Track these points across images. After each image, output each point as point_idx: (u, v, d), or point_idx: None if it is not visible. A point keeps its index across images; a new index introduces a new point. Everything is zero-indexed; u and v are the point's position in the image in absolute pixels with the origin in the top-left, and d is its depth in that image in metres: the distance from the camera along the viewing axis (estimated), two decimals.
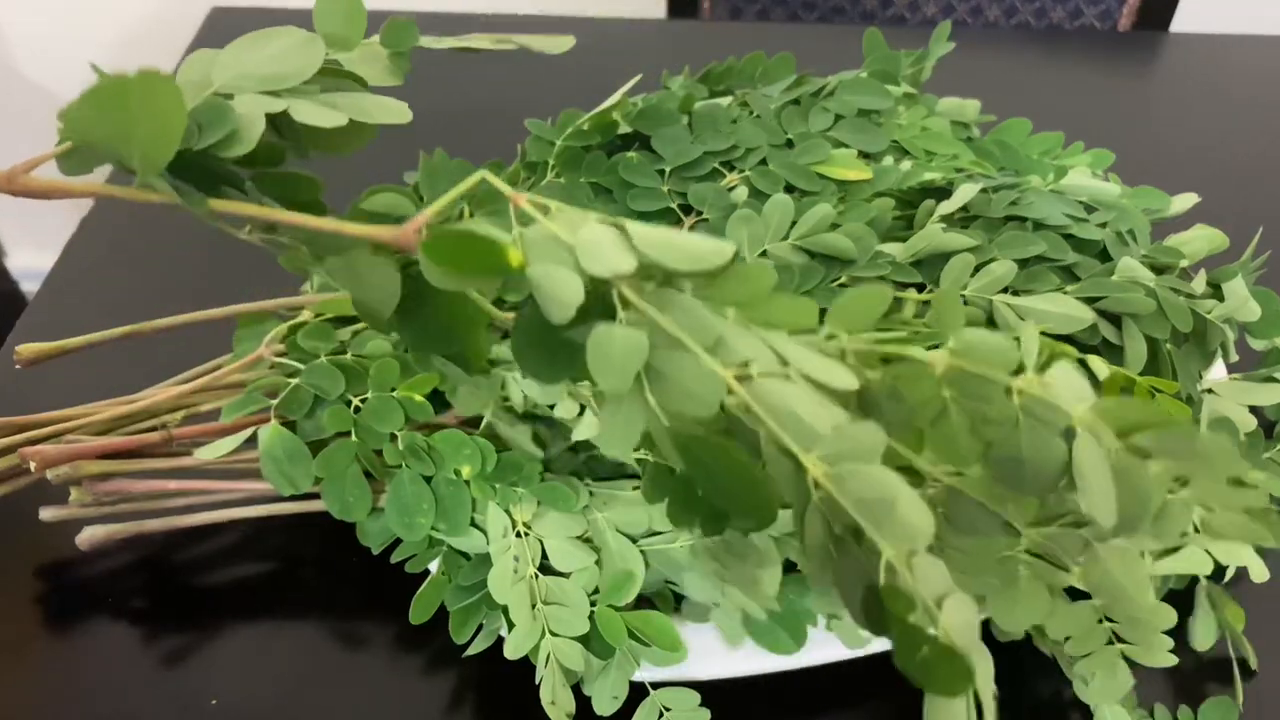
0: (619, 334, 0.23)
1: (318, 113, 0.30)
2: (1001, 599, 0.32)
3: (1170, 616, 0.38)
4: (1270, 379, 0.47)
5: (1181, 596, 0.42)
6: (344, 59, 0.32)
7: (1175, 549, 0.41)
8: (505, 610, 0.38)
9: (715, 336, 0.24)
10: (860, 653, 0.39)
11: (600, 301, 0.24)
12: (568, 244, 0.23)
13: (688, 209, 0.47)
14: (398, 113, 0.32)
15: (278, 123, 0.29)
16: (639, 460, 0.35)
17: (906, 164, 0.50)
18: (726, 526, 0.32)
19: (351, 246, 0.28)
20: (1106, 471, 0.23)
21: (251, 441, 0.42)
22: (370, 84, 0.33)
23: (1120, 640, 0.38)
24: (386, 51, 0.33)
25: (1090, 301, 0.41)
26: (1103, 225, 0.45)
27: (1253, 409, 0.46)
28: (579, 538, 0.40)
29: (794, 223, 0.44)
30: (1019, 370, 0.24)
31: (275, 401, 0.41)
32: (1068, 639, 0.38)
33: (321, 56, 0.30)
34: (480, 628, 0.40)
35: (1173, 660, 0.38)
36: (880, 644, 0.39)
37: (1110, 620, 0.38)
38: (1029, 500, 0.28)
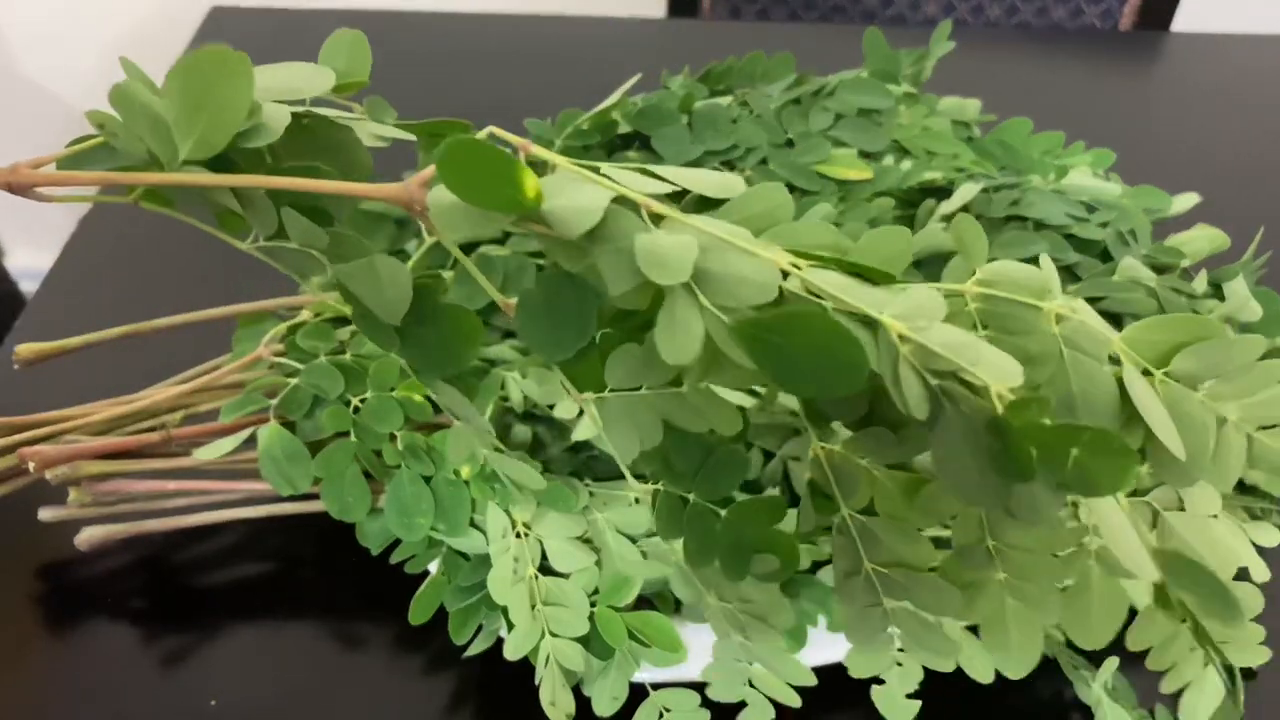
0: (665, 237, 0.23)
1: (348, 118, 0.30)
2: (1073, 609, 0.30)
3: (1257, 600, 0.33)
4: None
5: None
6: None
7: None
8: (505, 611, 0.38)
9: (750, 240, 0.23)
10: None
11: (622, 220, 0.24)
12: (587, 176, 0.23)
13: None
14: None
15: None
16: (654, 491, 0.34)
17: (907, 163, 0.50)
18: (748, 569, 0.31)
19: (365, 253, 0.28)
20: (1160, 403, 0.22)
21: (251, 442, 0.42)
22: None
23: (1206, 642, 0.33)
24: None
25: (1091, 301, 0.41)
26: (1104, 225, 0.45)
27: None
28: (579, 538, 0.40)
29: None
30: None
31: (274, 401, 0.41)
32: (1148, 652, 0.34)
33: (333, 79, 0.30)
34: (480, 628, 0.40)
35: (1266, 655, 0.33)
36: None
37: (1192, 619, 0.32)
38: None
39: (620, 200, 0.24)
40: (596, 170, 0.25)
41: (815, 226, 0.24)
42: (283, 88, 0.30)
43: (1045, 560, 0.28)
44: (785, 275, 0.23)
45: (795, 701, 0.37)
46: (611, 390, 0.30)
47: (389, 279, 0.28)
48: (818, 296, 0.23)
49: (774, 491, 0.40)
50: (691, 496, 0.32)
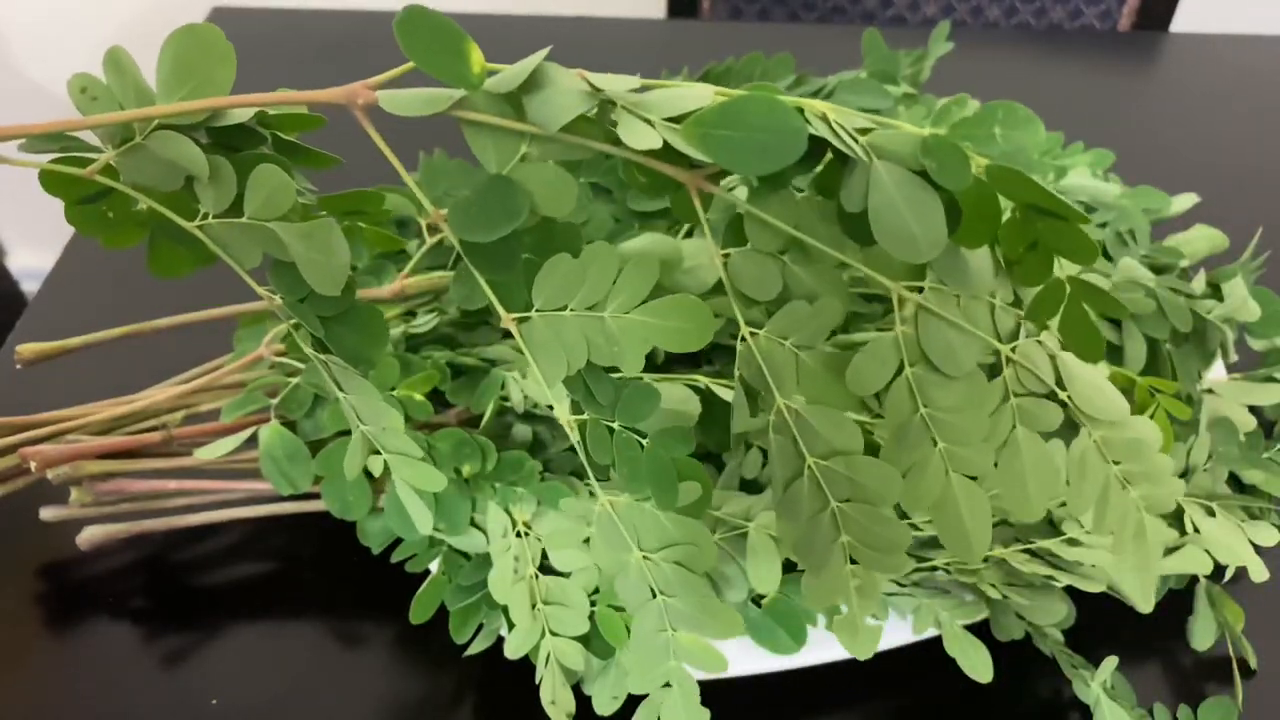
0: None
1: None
2: (1008, 478, 0.30)
3: (1156, 435, 0.31)
4: (1270, 379, 0.47)
5: (1181, 596, 0.42)
6: None
7: (1175, 548, 0.41)
8: (505, 610, 0.38)
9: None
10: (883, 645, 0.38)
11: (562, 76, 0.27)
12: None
13: None
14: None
15: None
16: (580, 422, 0.35)
17: None
18: (677, 495, 0.33)
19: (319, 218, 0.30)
20: None
21: (251, 441, 0.42)
22: None
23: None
24: None
25: None
26: (1103, 225, 0.45)
27: (1252, 409, 0.46)
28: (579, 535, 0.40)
29: None
30: None
31: (275, 401, 0.41)
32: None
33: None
34: (480, 628, 0.40)
35: (1180, 486, 0.32)
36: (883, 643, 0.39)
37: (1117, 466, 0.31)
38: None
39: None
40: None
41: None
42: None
43: (977, 420, 0.29)
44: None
45: (723, 667, 0.36)
46: (538, 311, 0.31)
47: (327, 241, 0.30)
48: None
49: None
50: (615, 424, 0.33)
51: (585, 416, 0.34)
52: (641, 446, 0.33)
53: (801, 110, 0.26)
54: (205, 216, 0.30)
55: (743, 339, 0.30)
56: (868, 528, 0.30)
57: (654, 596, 0.36)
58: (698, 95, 0.27)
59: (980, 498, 0.30)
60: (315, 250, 0.30)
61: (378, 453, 0.38)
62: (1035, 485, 0.30)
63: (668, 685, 0.36)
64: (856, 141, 0.26)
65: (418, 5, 0.26)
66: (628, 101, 0.27)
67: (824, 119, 0.26)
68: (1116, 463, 0.31)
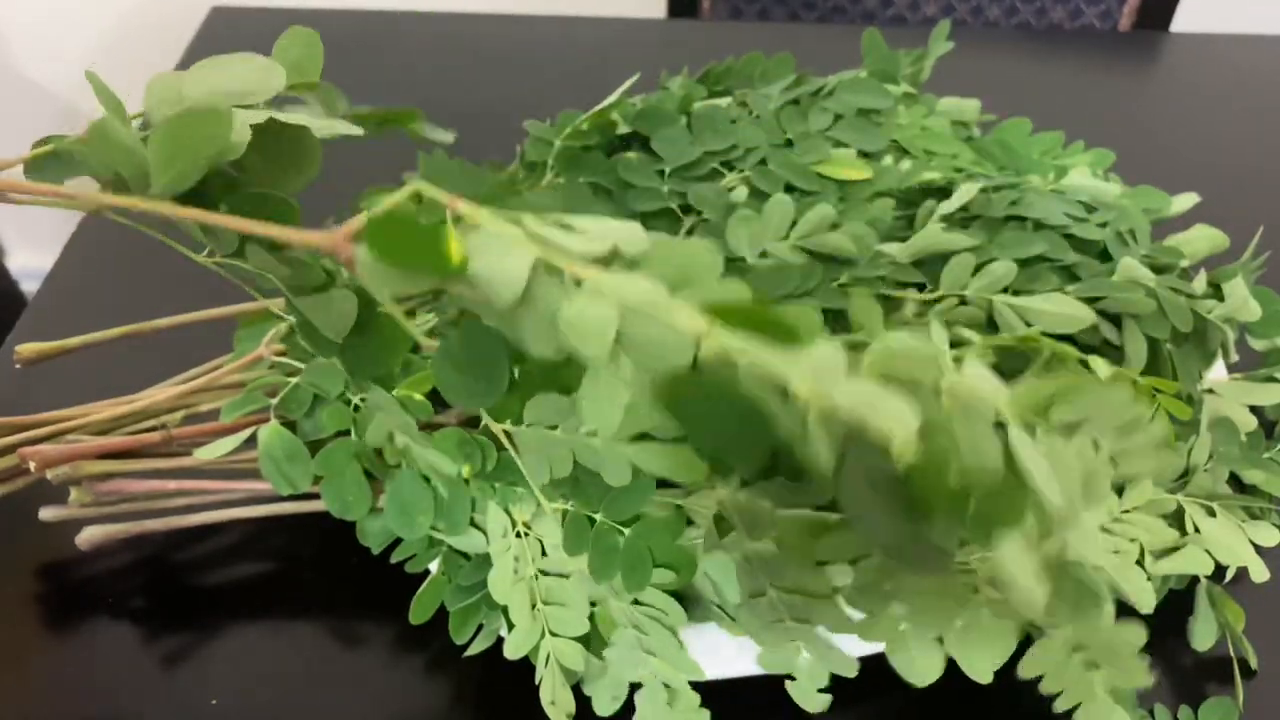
0: (588, 305, 0.24)
1: (305, 119, 0.30)
2: (965, 642, 0.33)
3: (1139, 635, 0.33)
4: (1270, 379, 0.47)
5: (1181, 596, 0.42)
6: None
7: (1175, 549, 0.41)
8: (505, 610, 0.38)
9: (668, 305, 0.24)
10: (859, 654, 0.38)
11: (546, 287, 0.25)
12: (511, 238, 0.24)
13: (687, 209, 0.47)
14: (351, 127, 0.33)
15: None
16: (563, 511, 0.36)
17: (906, 164, 0.50)
18: (649, 580, 0.35)
19: (328, 286, 0.30)
20: (1041, 457, 0.23)
21: (251, 441, 0.42)
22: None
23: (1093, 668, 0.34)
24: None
25: (1090, 301, 0.41)
26: (1103, 225, 0.45)
27: (1253, 409, 0.46)
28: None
29: (794, 223, 0.44)
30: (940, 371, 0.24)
31: (275, 401, 0.41)
32: (1040, 679, 0.34)
33: (283, 79, 0.31)
34: (480, 628, 0.40)
35: (1147, 682, 0.33)
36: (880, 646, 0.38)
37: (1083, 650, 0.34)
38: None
39: (544, 263, 0.25)
40: (519, 222, 0.26)
41: (729, 284, 0.25)
42: (236, 89, 0.30)
43: (941, 601, 0.31)
44: (701, 338, 0.24)
45: (700, 675, 0.38)
46: (528, 425, 0.33)
47: (339, 307, 0.30)
48: (731, 356, 0.24)
49: None
50: (599, 516, 0.36)
51: (567, 506, 0.35)
52: (621, 534, 0.35)
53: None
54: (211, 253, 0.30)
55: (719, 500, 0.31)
56: (823, 653, 0.34)
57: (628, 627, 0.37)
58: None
59: (932, 644, 0.32)
60: (318, 312, 0.30)
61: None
62: (988, 652, 0.32)
63: (667, 687, 0.37)
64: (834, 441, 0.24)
65: (383, 214, 0.24)
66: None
67: (805, 409, 0.24)
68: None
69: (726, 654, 0.39)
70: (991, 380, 0.24)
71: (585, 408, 0.26)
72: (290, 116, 0.31)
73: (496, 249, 0.24)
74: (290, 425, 0.41)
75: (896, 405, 0.22)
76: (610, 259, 0.25)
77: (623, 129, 0.52)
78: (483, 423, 0.41)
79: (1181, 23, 1.02)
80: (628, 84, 0.51)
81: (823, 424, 0.23)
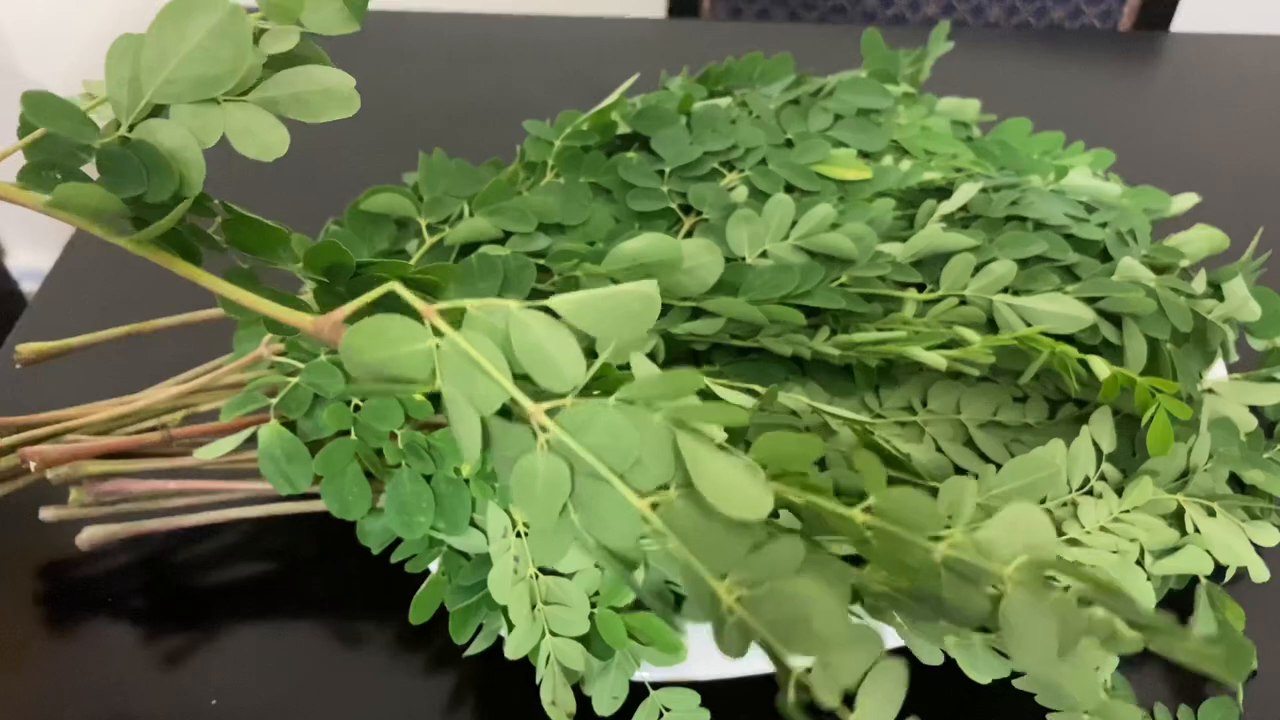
0: (541, 466, 0.24)
1: (253, 135, 0.29)
2: (962, 657, 0.37)
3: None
4: (1270, 379, 0.47)
5: (1181, 596, 0.42)
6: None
7: (1175, 549, 0.41)
8: (505, 610, 0.38)
9: (633, 459, 0.24)
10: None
11: (509, 432, 0.25)
12: (480, 364, 0.25)
13: (687, 209, 0.47)
14: (343, 101, 0.30)
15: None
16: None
17: (906, 164, 0.50)
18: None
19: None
20: (1035, 620, 0.23)
21: (251, 441, 0.42)
22: (325, 34, 0.31)
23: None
24: None
25: (1090, 301, 0.41)
26: (1103, 225, 0.45)
27: (1253, 409, 0.46)
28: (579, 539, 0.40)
29: (794, 222, 0.44)
30: (945, 526, 0.24)
31: (275, 401, 0.41)
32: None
33: (249, 44, 0.28)
34: (480, 628, 0.40)
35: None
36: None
37: None
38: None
39: (512, 401, 0.25)
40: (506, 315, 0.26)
41: (725, 409, 0.24)
42: (195, 76, 0.28)
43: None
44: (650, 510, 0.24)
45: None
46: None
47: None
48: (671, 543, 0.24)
49: None
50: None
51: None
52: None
53: None
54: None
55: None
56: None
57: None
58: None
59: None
60: None
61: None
62: (986, 667, 0.36)
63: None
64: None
65: (377, 319, 0.24)
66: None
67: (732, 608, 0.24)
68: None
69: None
70: (1021, 535, 0.23)
71: (534, 551, 0.27)
72: (246, 142, 0.30)
73: (465, 373, 0.25)
74: (290, 425, 0.41)
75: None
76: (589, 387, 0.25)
77: (623, 129, 0.52)
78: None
79: (1181, 23, 1.02)
80: (627, 84, 0.51)
81: (749, 625, 0.23)
